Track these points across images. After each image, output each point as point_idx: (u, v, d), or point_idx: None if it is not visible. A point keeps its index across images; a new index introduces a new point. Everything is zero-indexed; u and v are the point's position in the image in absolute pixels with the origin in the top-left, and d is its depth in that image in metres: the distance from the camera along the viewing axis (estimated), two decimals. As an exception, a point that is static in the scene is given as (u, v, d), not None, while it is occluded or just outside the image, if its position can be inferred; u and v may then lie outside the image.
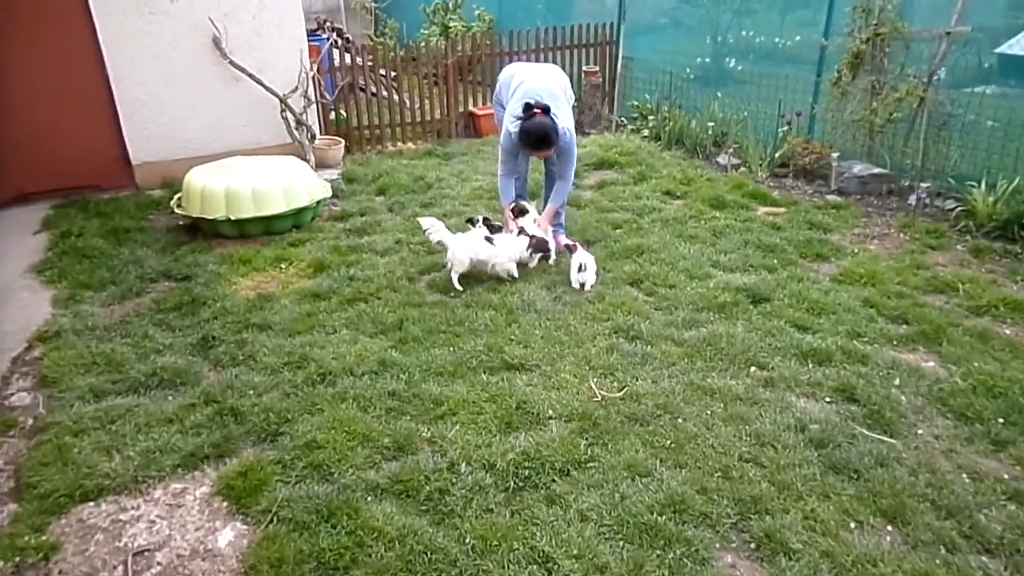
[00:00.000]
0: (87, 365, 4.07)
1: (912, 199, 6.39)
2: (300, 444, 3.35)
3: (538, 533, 2.80)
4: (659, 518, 2.85)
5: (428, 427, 3.48)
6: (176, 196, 6.21)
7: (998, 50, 6.64)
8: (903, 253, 5.36)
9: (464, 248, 4.90)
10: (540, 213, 5.40)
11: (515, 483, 3.08)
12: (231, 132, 7.36)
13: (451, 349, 4.14)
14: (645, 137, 8.52)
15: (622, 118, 9.49)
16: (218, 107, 7.27)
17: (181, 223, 6.11)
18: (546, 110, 4.82)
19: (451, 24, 12.15)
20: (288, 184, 5.94)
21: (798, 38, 8.27)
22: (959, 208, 5.88)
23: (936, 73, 6.37)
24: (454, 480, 3.09)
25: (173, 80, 7.02)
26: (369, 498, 3.03)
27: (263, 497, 3.06)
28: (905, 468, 3.15)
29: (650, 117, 8.90)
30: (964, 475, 3.13)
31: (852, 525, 2.85)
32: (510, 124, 4.98)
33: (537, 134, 4.87)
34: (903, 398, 3.65)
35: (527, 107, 4.83)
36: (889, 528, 2.85)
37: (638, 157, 7.69)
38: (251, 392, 3.78)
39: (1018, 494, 2.98)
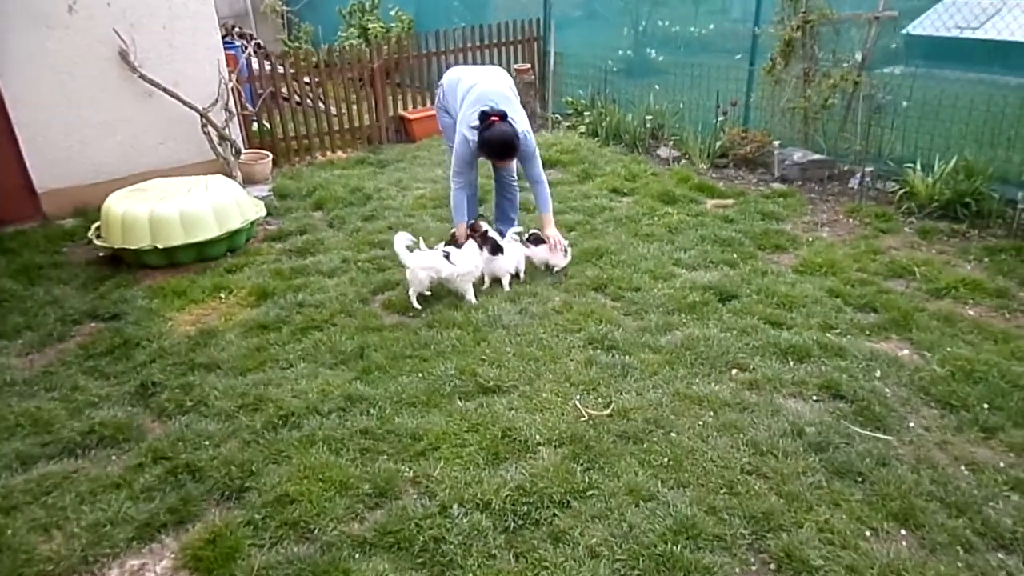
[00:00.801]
0: (10, 428, 3.61)
1: (853, 183, 6.49)
2: (270, 500, 3.03)
3: (549, 578, 2.59)
4: (673, 547, 2.68)
5: (409, 466, 3.22)
6: (94, 226, 5.68)
7: (905, 30, 6.83)
8: (856, 239, 5.41)
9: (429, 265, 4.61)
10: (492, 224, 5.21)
11: (514, 521, 2.86)
12: (148, 152, 6.82)
13: (420, 375, 3.87)
14: (583, 134, 8.41)
15: (557, 115, 9.35)
16: (131, 125, 6.71)
17: (101, 255, 5.59)
18: (503, 116, 4.60)
19: (370, 26, 11.74)
20: (219, 205, 5.52)
21: (711, 27, 8.35)
22: (901, 191, 5.98)
23: (866, 57, 6.49)
24: (448, 525, 2.84)
25: (78, 99, 6.44)
26: (357, 555, 2.76)
27: (237, 567, 2.73)
28: (906, 466, 3.09)
29: (585, 113, 8.79)
30: (963, 467, 3.11)
31: (867, 533, 2.77)
32: (468, 133, 4.70)
33: (500, 143, 4.66)
34: (887, 390, 3.62)
35: (483, 115, 4.59)
36: (903, 532, 2.78)
37: (579, 155, 7.56)
38: (206, 443, 3.42)
39: (1019, 483, 2.97)
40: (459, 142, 4.82)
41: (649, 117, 8.03)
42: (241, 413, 3.64)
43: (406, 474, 3.17)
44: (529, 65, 9.20)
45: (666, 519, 2.82)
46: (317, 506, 2.97)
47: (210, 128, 6.78)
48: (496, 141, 4.64)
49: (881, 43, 6.64)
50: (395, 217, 6.20)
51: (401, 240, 4.58)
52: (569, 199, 6.41)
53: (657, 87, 8.22)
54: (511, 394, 3.69)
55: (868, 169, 6.32)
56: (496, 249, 4.74)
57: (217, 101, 6.88)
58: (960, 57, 6.67)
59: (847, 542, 2.70)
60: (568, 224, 5.81)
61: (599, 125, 8.34)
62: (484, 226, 4.93)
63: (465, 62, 9.43)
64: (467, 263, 4.64)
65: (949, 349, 3.91)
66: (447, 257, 4.59)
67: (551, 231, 4.99)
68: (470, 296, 4.65)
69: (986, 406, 3.44)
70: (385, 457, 3.29)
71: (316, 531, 2.87)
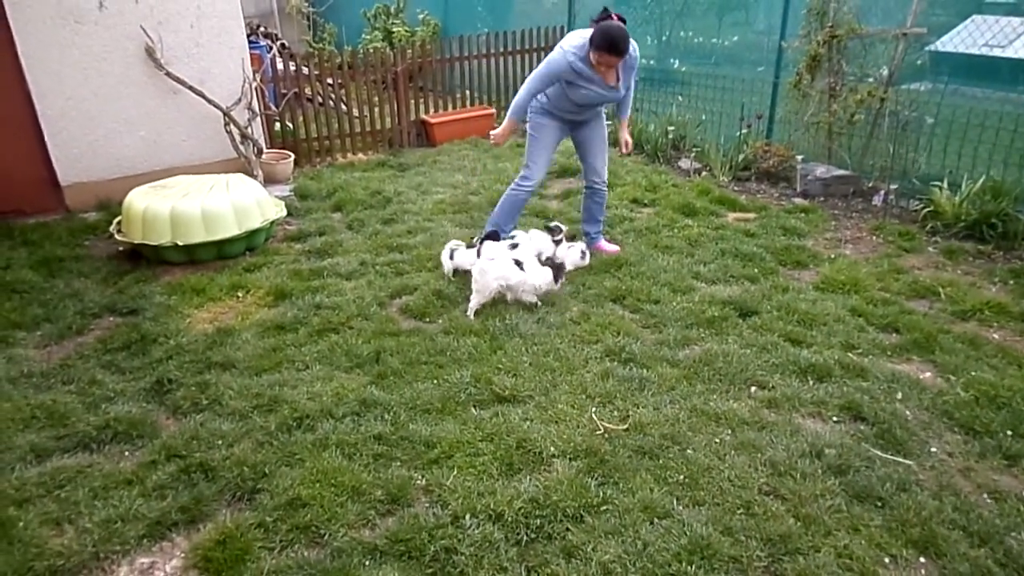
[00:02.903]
0: (25, 420, 3.63)
1: (877, 200, 6.41)
2: (282, 502, 3.01)
3: (561, 594, 2.56)
4: (688, 567, 2.64)
5: (422, 474, 3.20)
6: (115, 220, 5.72)
7: (932, 47, 6.75)
8: (879, 257, 5.34)
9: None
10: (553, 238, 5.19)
11: (527, 535, 2.83)
12: (171, 148, 6.87)
13: (436, 382, 3.85)
14: (603, 142, 8.35)
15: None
16: (155, 122, 6.77)
17: (121, 249, 5.63)
18: (622, 18, 4.69)
19: (394, 29, 11.79)
20: (239, 204, 5.54)
21: (735, 38, 8.30)
22: (926, 209, 5.90)
23: (893, 73, 6.42)
24: (460, 536, 2.82)
25: (104, 94, 6.50)
26: (368, 562, 2.74)
27: (246, 569, 2.72)
28: (927, 492, 3.03)
29: (607, 122, 8.73)
30: (985, 495, 3.04)
31: (886, 560, 2.71)
32: (568, 50, 4.73)
33: (618, 31, 4.56)
34: (908, 413, 3.56)
35: (604, 9, 4.68)
36: (923, 560, 2.72)
37: (600, 164, 7.50)
38: (220, 443, 3.41)
39: (1045, 515, 2.90)
40: (552, 57, 4.80)
41: (671, 128, 7.99)
42: (255, 413, 3.63)
43: (419, 482, 3.15)
44: (552, 72, 9.16)
45: (681, 538, 2.77)
46: (329, 511, 2.95)
47: (232, 127, 6.82)
48: (614, 29, 4.55)
49: (908, 59, 6.56)
50: (414, 221, 6.20)
51: (460, 253, 4.91)
52: (589, 208, 6.37)
53: (680, 97, 8.18)
54: (526, 404, 3.66)
55: (893, 187, 6.24)
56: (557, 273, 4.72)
57: (240, 100, 6.92)
58: (987, 75, 6.57)
59: (866, 569, 2.65)
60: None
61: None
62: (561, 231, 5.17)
63: (488, 68, 9.45)
64: (542, 274, 4.64)
65: (973, 373, 3.84)
66: (519, 265, 4.59)
67: (625, 134, 5.45)
68: (531, 299, 4.68)
69: (1010, 433, 3.37)
70: (398, 464, 3.27)
71: (327, 536, 2.86)
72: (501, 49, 9.41)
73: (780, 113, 7.44)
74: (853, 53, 6.77)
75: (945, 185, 5.91)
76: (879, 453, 3.27)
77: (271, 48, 8.42)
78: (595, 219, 5.52)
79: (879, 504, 2.97)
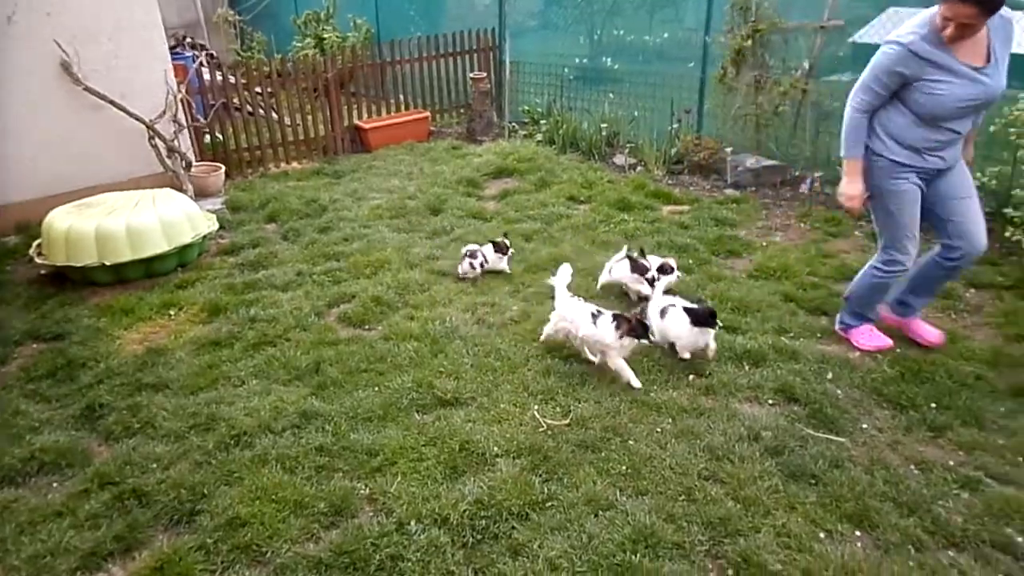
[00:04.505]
0: (-55, 456, 3.46)
1: (804, 188, 6.60)
2: (222, 522, 2.94)
3: (508, 593, 2.56)
4: (632, 556, 2.67)
5: (366, 483, 3.16)
6: (35, 243, 5.49)
7: (852, 39, 7.00)
8: (808, 243, 5.50)
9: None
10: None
11: (473, 536, 2.83)
12: (94, 165, 6.63)
13: (377, 389, 3.82)
14: (539, 142, 8.43)
15: (514, 123, 9.36)
16: (76, 139, 6.52)
17: (43, 273, 5.40)
18: None
19: (325, 35, 11.62)
20: (168, 219, 5.38)
21: (666, 35, 8.45)
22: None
23: (813, 65, 6.63)
24: (405, 543, 2.80)
25: (17, 112, 6.23)
26: (312, 577, 2.69)
27: (186, 594, 2.65)
28: (859, 467, 3.14)
29: (542, 121, 8.82)
30: (913, 467, 3.16)
31: (822, 535, 2.80)
32: (903, 38, 3.41)
33: None
34: (840, 392, 3.68)
35: None
36: (858, 533, 2.81)
37: (536, 163, 7.57)
38: (154, 466, 3.31)
39: (968, 481, 3.03)
40: (877, 56, 3.51)
41: (604, 125, 8.09)
42: (191, 433, 3.53)
43: (362, 491, 3.12)
44: (485, 74, 9.20)
45: (625, 528, 2.81)
46: (270, 528, 2.90)
47: (158, 141, 6.62)
48: None
49: (829, 51, 6.78)
50: (351, 228, 6.12)
51: (564, 276, 4.16)
52: (526, 207, 6.41)
53: (612, 95, 8.28)
54: (469, 406, 3.65)
55: (818, 174, 6.44)
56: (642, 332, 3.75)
57: (165, 113, 6.72)
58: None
59: (803, 545, 2.73)
60: (525, 232, 5.81)
61: (556, 133, 8.37)
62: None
63: (422, 72, 9.41)
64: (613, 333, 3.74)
65: (899, 350, 3.99)
66: (594, 317, 3.80)
67: (970, 150, 3.85)
68: (626, 375, 3.75)
69: (934, 405, 3.51)
70: (341, 474, 3.23)
71: (269, 554, 2.80)
72: (434, 52, 9.38)
73: (709, 107, 7.60)
74: (775, 47, 6.96)
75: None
76: (813, 432, 3.37)
77: (196, 58, 8.21)
78: (929, 292, 4.08)
79: (814, 482, 3.06)
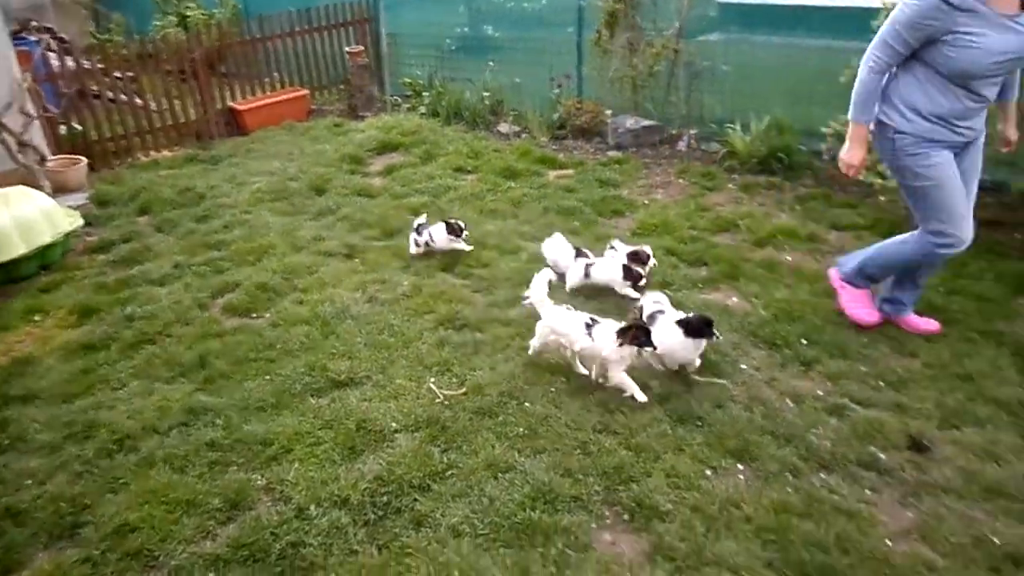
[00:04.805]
0: None
1: (681, 146, 6.85)
2: (109, 532, 2.81)
3: (413, 564, 2.58)
4: (532, 513, 2.75)
5: (262, 473, 3.09)
6: None
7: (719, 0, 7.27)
8: (686, 198, 5.72)
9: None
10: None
11: (374, 513, 2.82)
12: (-68, 165, 6.05)
13: (268, 378, 3.72)
14: (423, 114, 8.32)
15: (396, 97, 9.19)
16: (-93, 137, 5.91)
17: None
18: None
19: (189, 13, 10.98)
20: (23, 219, 4.99)
21: (544, 1, 8.48)
22: (724, 150, 6.38)
23: (683, 26, 6.83)
24: (306, 528, 2.76)
25: None
26: (211, 574, 2.62)
27: (73, 609, 2.52)
28: (740, 405, 3.33)
29: (424, 93, 8.70)
30: (788, 400, 3.38)
31: (708, 472, 2.96)
32: None
33: None
34: (720, 337, 3.86)
35: None
36: (740, 467, 2.99)
37: (421, 136, 7.48)
38: (29, 482, 3.12)
39: (836, 408, 3.27)
40: (904, 5, 3.14)
41: (487, 94, 8.07)
42: (69, 443, 3.34)
43: (259, 482, 3.05)
44: (362, 48, 8.96)
45: (524, 487, 2.88)
46: (162, 530, 2.79)
47: (6, 134, 6.10)
48: None
49: (699, 12, 6.98)
50: (231, 215, 5.88)
51: (542, 283, 3.68)
52: (413, 181, 6.34)
53: (492, 63, 8.24)
54: (364, 385, 3.62)
55: (693, 132, 6.69)
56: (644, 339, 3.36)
57: (11, 104, 6.19)
58: (768, 23, 7.15)
59: (691, 483, 2.88)
60: (413, 207, 5.75)
61: (439, 105, 8.28)
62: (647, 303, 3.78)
63: (294, 47, 9.07)
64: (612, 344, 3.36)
65: (772, 293, 4.23)
66: (588, 328, 3.45)
67: (1012, 128, 3.55)
68: (630, 388, 3.37)
69: (804, 342, 3.76)
70: (235, 468, 3.14)
71: (163, 557, 2.71)
72: (307, 27, 9.04)
73: (587, 71, 7.71)
74: (646, 9, 7.11)
75: (738, 127, 6.41)
76: (697, 378, 3.54)
77: (41, 42, 7.57)
78: (916, 283, 3.77)
79: (699, 424, 3.22)
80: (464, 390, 3.51)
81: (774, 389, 3.46)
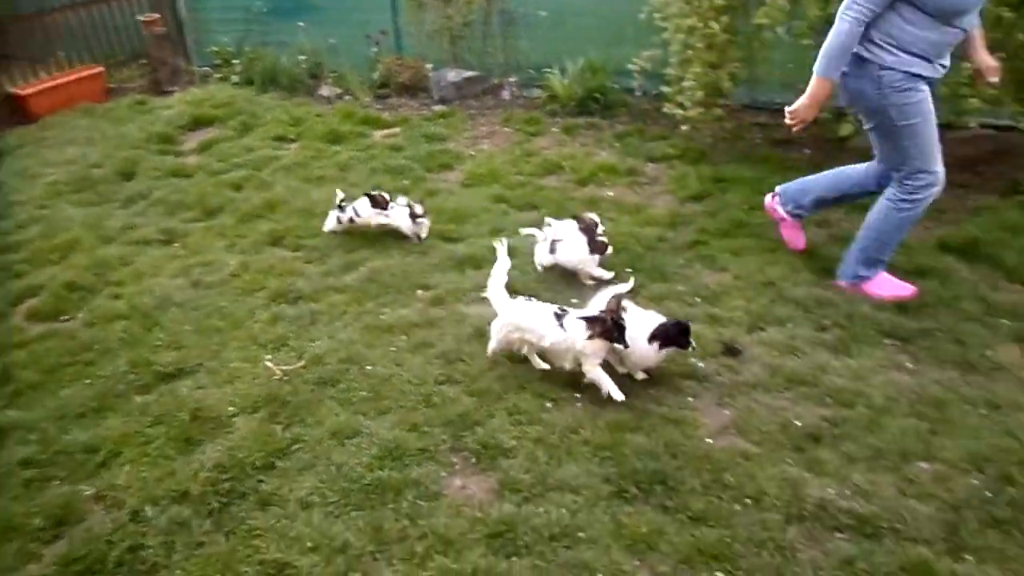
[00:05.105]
0: None
1: (505, 94, 6.92)
2: (-90, 576, 2.53)
3: (262, 544, 2.52)
4: (381, 473, 2.76)
5: (89, 483, 2.89)
6: None
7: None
8: (512, 145, 5.81)
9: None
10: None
11: (218, 502, 2.72)
12: None
13: (87, 382, 3.45)
14: (236, 84, 7.85)
15: (205, 68, 8.59)
16: None
17: None
18: None
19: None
20: None
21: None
22: (544, 95, 6.52)
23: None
24: (144, 530, 2.62)
25: None
26: (40, 598, 2.44)
27: None
28: (573, 336, 3.47)
29: (234, 61, 8.19)
30: (616, 326, 3.57)
31: (548, 405, 3.08)
32: None
33: None
34: (552, 275, 4.01)
35: None
36: (577, 396, 3.13)
37: (235, 107, 7.06)
38: None
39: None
40: None
41: (303, 57, 7.72)
42: None
43: (87, 492, 2.85)
44: (157, 15, 8.27)
45: (372, 449, 2.88)
46: (-25, 563, 2.55)
47: None
48: None
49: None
50: (25, 212, 5.32)
51: (501, 272, 3.33)
52: (231, 155, 6.01)
53: (301, 24, 7.85)
54: (196, 374, 3.45)
55: (514, 80, 6.77)
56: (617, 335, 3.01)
57: None
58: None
59: (533, 418, 2.99)
60: (234, 183, 5.47)
61: (252, 72, 7.84)
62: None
63: (79, 20, 8.22)
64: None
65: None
66: (559, 319, 3.11)
67: (986, 54, 3.45)
68: (606, 386, 3.05)
69: (629, 270, 3.97)
70: (58, 482, 2.92)
71: (-20, 590, 2.48)
72: (89, -3, 8.22)
73: (404, 26, 7.56)
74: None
75: (556, 71, 6.55)
76: (532, 317, 3.65)
77: None
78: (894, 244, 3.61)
79: (537, 361, 3.35)
80: (303, 363, 3.43)
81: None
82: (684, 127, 5.23)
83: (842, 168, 3.84)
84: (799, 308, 3.57)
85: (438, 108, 6.85)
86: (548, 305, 3.21)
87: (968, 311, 3.44)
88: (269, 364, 3.43)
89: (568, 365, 3.15)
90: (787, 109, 3.42)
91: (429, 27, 7.22)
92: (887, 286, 3.60)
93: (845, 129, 4.53)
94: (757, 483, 2.59)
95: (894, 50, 3.18)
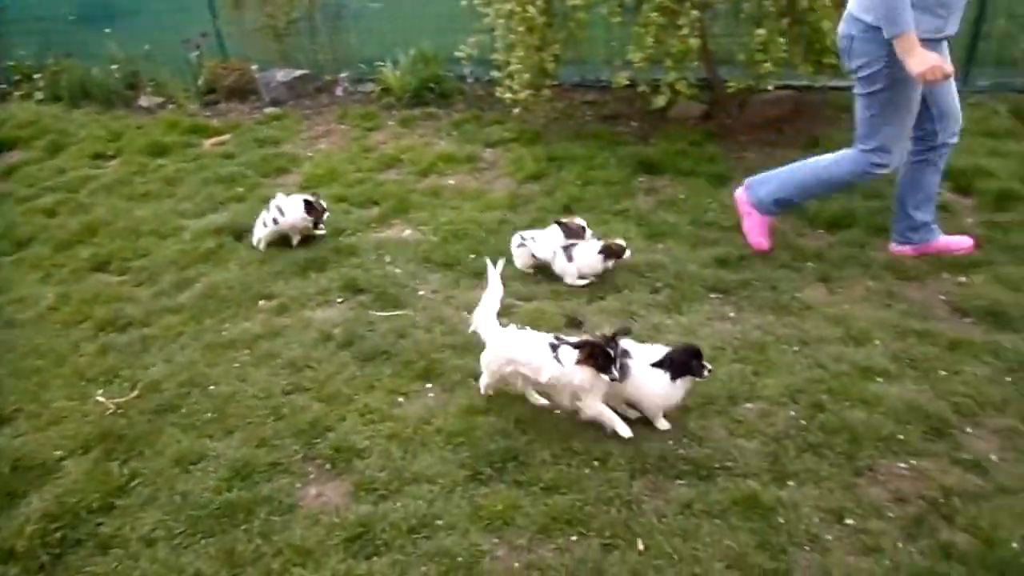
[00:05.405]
0: None
1: (339, 91, 6.78)
2: None
3: (105, 590, 2.37)
4: (230, 494, 2.64)
5: None
6: None
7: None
8: (349, 143, 5.72)
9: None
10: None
11: (49, 554, 2.52)
12: None
13: None
14: (41, 101, 7.22)
15: (3, 86, 7.82)
16: None
17: None
18: None
19: None
20: None
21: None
22: (379, 89, 6.44)
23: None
24: (-37, 601, 2.39)
25: None
26: None
27: None
28: (422, 329, 3.48)
29: (36, 76, 7.51)
30: (465, 313, 3.57)
31: (400, 400, 3.07)
32: None
33: None
34: (398, 270, 4.00)
35: None
36: (429, 386, 3.14)
37: (42, 125, 6.54)
38: None
39: (504, 309, 3.48)
40: None
41: (115, 66, 7.20)
42: None
43: None
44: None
45: (219, 471, 2.76)
46: None
47: None
48: None
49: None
50: None
51: (492, 300, 2.95)
52: (40, 179, 5.55)
53: (108, 30, 7.31)
54: (14, 421, 3.16)
55: (345, 75, 6.64)
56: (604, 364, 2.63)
57: None
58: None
59: (385, 415, 2.97)
60: (46, 208, 5.05)
61: (59, 87, 7.23)
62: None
63: None
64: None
65: (440, 219, 4.44)
66: (554, 350, 2.74)
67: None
68: (608, 423, 2.74)
69: (472, 256, 4.02)
70: None
71: None
72: None
73: (225, 28, 7.22)
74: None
75: (389, 63, 6.48)
76: (379, 314, 3.63)
77: None
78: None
79: (386, 357, 3.32)
80: (137, 392, 3.23)
81: (451, 306, 3.67)
82: (517, 110, 5.34)
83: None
84: (633, 274, 3.75)
85: (270, 110, 6.61)
86: (542, 335, 2.83)
87: (780, 259, 3.75)
88: (100, 399, 3.21)
89: (567, 402, 2.80)
90: (916, 73, 3.06)
91: (251, 27, 6.94)
92: (758, 231, 3.80)
93: (660, 100, 4.78)
94: (603, 445, 2.71)
95: (914, 14, 3.05)
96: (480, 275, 3.85)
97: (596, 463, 2.65)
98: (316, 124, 6.21)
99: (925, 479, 2.47)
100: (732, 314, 3.41)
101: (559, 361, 2.68)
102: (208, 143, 6.01)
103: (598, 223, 4.22)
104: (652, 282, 3.67)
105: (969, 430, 2.66)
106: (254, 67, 6.87)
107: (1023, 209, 3.96)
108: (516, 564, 2.33)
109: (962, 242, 3.70)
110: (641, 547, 2.32)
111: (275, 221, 4.21)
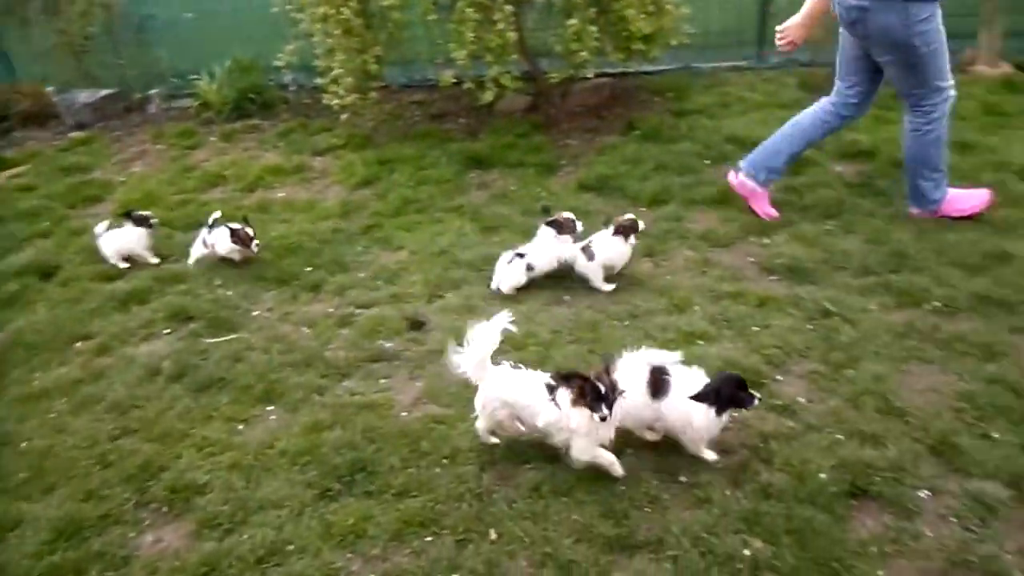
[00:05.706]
0: None
1: (152, 109, 6.36)
2: None
3: None
4: (53, 558, 2.42)
5: None
6: None
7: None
8: (167, 163, 5.40)
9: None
10: None
11: None
12: None
13: None
14: None
15: None
16: None
17: None
18: None
19: None
20: None
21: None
22: (196, 104, 6.10)
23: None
24: None
25: None
26: None
27: None
28: (258, 351, 3.35)
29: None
30: (303, 328, 3.51)
31: (240, 427, 2.94)
32: None
33: None
34: (229, 292, 3.84)
35: None
36: (271, 408, 3.03)
37: None
38: None
39: (344, 320, 3.50)
40: None
41: None
42: None
43: None
44: None
45: (39, 534, 2.53)
46: None
47: None
48: None
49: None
50: None
51: (492, 335, 2.53)
52: None
53: None
54: None
55: (157, 91, 6.25)
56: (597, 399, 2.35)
57: None
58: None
59: (224, 444, 2.84)
60: None
61: None
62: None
63: None
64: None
65: (270, 233, 4.27)
66: (552, 392, 2.45)
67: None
68: (604, 464, 2.49)
69: (309, 268, 3.93)
70: None
71: None
72: None
73: (9, 48, 6.58)
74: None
75: (205, 76, 6.15)
76: (211, 340, 3.46)
77: None
78: (938, 168, 3.74)
79: (222, 384, 3.17)
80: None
81: (289, 323, 3.56)
82: (344, 116, 5.23)
83: (794, 120, 3.95)
84: (471, 269, 3.80)
85: (75, 135, 6.10)
86: (537, 374, 2.58)
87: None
88: None
89: (560, 442, 2.53)
90: (777, 28, 3.55)
91: (41, 46, 6.35)
92: (963, 200, 3.77)
93: (488, 96, 4.85)
94: (451, 443, 2.73)
95: None
96: (317, 287, 3.77)
97: (445, 461, 2.66)
98: (128, 146, 5.80)
99: (746, 429, 2.68)
100: (567, 297, 3.53)
101: (556, 404, 2.43)
102: (3, 176, 5.45)
103: (432, 222, 4.25)
104: (489, 275, 3.73)
105: (779, 377, 2.90)
106: (50, 89, 6.30)
107: (812, 172, 4.37)
108: (372, 575, 2.30)
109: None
110: (494, 536, 2.36)
111: (205, 244, 4.02)
